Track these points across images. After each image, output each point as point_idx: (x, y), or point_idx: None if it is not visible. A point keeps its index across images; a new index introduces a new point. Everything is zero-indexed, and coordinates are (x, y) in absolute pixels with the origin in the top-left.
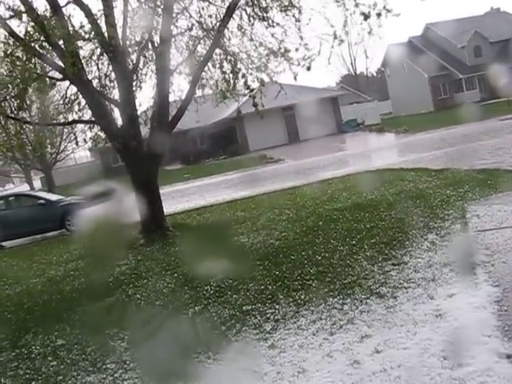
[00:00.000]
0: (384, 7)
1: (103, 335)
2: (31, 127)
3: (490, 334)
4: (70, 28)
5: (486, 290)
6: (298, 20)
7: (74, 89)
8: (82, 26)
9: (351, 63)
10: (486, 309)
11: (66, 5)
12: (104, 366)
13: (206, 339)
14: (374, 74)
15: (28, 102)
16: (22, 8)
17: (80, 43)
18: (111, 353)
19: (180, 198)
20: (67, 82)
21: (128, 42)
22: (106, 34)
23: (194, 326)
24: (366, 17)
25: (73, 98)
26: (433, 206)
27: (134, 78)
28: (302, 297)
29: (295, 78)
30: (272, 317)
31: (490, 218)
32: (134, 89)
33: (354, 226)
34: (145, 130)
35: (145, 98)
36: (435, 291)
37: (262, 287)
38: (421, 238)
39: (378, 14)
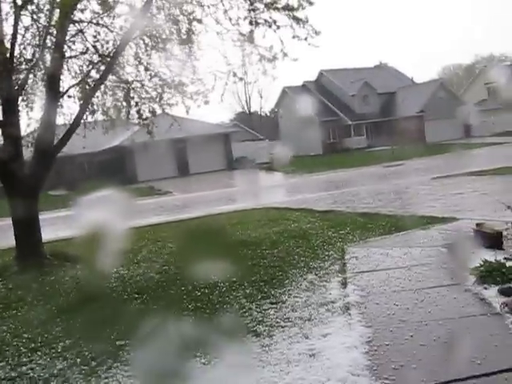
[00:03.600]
0: (281, 50)
1: None
2: None
3: (360, 373)
4: None
5: (358, 331)
6: (192, 55)
7: None
8: None
9: (246, 101)
10: (357, 348)
11: None
12: None
13: (77, 376)
14: (268, 114)
15: None
16: None
17: None
18: None
19: (62, 224)
20: None
21: (17, 59)
22: None
23: (63, 362)
24: (263, 58)
25: None
26: (314, 247)
27: (22, 97)
28: (177, 333)
29: (187, 112)
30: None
31: (367, 259)
32: (21, 108)
33: (236, 263)
34: (29, 153)
35: (33, 120)
36: (310, 331)
37: (137, 321)
38: (300, 278)
39: (274, 57)
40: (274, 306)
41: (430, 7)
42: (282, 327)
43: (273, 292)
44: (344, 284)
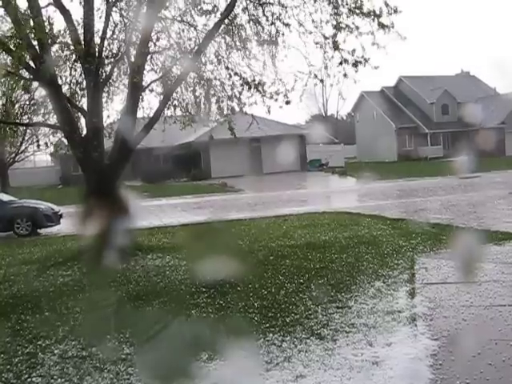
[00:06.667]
0: (362, 56)
1: (34, 346)
2: None
3: None
4: (49, 30)
5: (424, 343)
6: (274, 55)
7: (42, 91)
8: (61, 31)
9: (323, 104)
10: (421, 361)
11: (47, 6)
12: (29, 379)
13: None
14: (344, 118)
15: None
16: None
17: (56, 47)
18: (39, 365)
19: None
20: (36, 83)
21: (104, 53)
22: (83, 42)
23: (130, 347)
24: (345, 61)
25: (41, 100)
26: (384, 254)
27: (106, 89)
28: (243, 330)
29: (269, 111)
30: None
31: (437, 271)
32: (104, 100)
33: (304, 265)
34: (109, 143)
35: (114, 111)
36: (375, 338)
37: (204, 315)
38: (368, 284)
39: (355, 64)
40: (340, 310)
41: None
42: (347, 332)
43: (339, 296)
44: (412, 294)
